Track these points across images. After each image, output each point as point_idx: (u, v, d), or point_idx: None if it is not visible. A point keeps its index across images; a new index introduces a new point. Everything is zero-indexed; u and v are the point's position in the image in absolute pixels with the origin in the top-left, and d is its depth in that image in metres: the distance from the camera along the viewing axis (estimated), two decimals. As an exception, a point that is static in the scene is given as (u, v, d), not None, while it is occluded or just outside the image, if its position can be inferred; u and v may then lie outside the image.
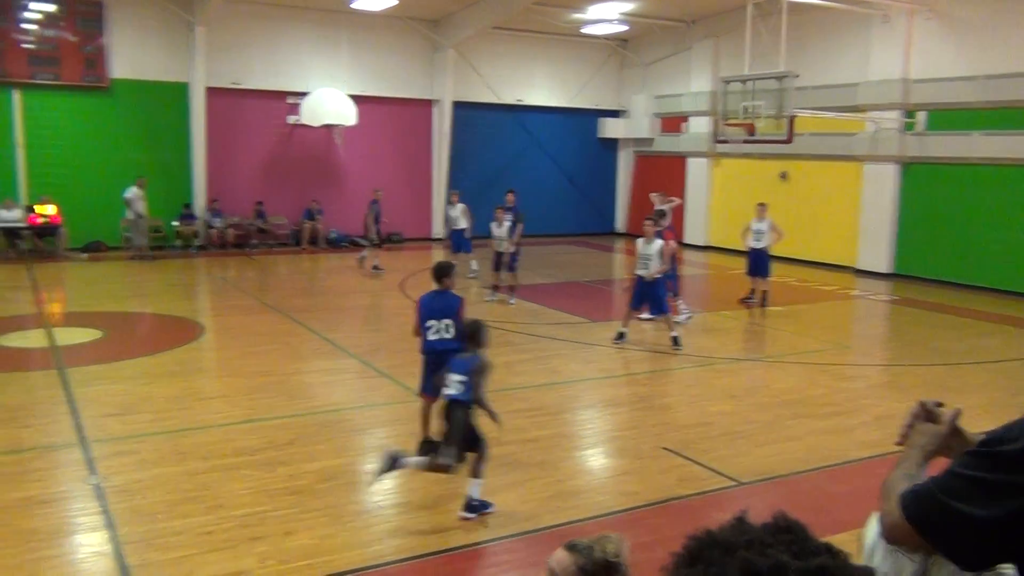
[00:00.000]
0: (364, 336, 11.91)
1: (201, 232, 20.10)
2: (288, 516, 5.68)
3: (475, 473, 5.83)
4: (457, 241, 16.32)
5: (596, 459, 7.46)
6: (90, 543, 5.30)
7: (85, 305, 13.64)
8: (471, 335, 6.15)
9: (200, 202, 20.16)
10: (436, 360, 6.56)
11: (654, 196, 16.74)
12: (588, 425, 8.34)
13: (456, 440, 5.74)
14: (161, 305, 13.99)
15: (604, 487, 6.61)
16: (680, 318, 12.32)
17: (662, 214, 12.98)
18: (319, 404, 8.45)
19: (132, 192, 17.94)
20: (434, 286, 6.96)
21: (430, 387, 6.63)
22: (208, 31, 19.29)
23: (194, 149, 19.91)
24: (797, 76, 16.04)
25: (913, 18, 17.67)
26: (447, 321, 6.73)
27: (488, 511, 5.83)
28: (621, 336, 11.21)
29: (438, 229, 23.36)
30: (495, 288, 14.12)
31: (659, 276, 10.94)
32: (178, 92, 19.72)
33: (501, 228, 13.89)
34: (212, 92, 19.74)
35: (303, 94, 20.74)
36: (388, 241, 20.71)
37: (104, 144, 19.23)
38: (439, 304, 6.82)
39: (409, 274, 17.28)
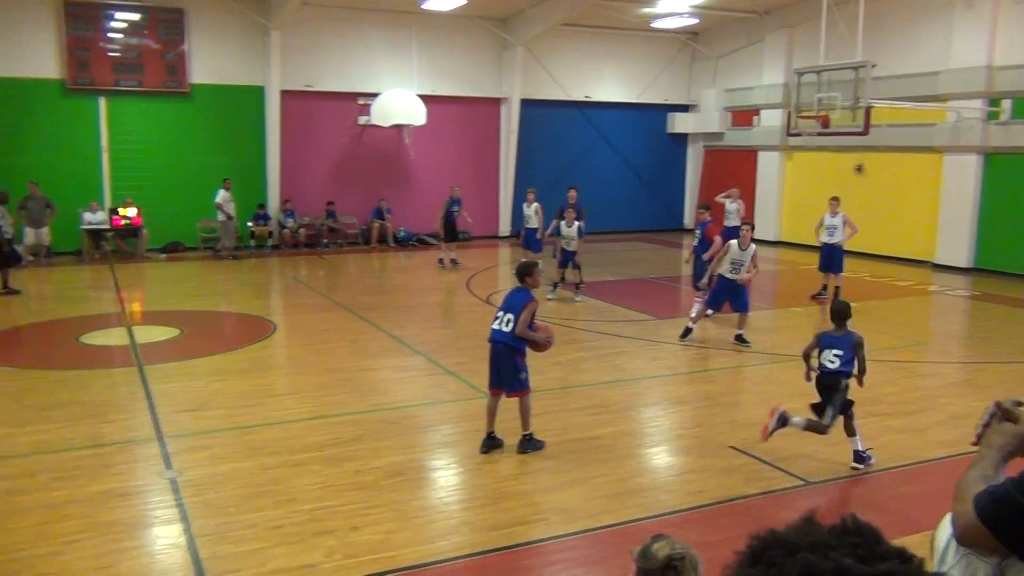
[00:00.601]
0: (431, 334, 12.04)
1: (274, 232, 20.59)
2: (354, 511, 5.78)
3: (851, 431, 6.76)
4: (528, 240, 16.26)
5: (661, 457, 7.39)
6: (166, 535, 5.49)
7: (164, 304, 14.13)
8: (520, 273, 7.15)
9: (274, 203, 20.65)
10: (492, 350, 7.01)
11: (722, 198, 16.60)
12: (653, 423, 8.27)
13: (836, 405, 6.69)
14: (235, 304, 14.40)
15: (669, 485, 6.54)
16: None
17: (707, 207, 13.31)
18: (386, 401, 8.57)
19: (221, 195, 18.56)
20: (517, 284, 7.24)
21: (494, 381, 7.07)
22: (283, 35, 19.73)
23: (268, 151, 20.41)
24: (874, 66, 15.59)
25: (998, 3, 16.98)
26: (509, 315, 6.92)
27: (872, 461, 6.69)
28: (688, 332, 11.10)
29: (505, 227, 23.46)
30: (555, 285, 14.06)
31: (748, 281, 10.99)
32: (254, 95, 20.23)
33: (571, 227, 13.83)
34: (286, 95, 20.20)
35: (374, 95, 21.04)
36: (423, 242, 21.03)
37: (183, 148, 19.87)
38: (512, 299, 7.05)
39: (475, 272, 17.40)
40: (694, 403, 8.67)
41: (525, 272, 7.16)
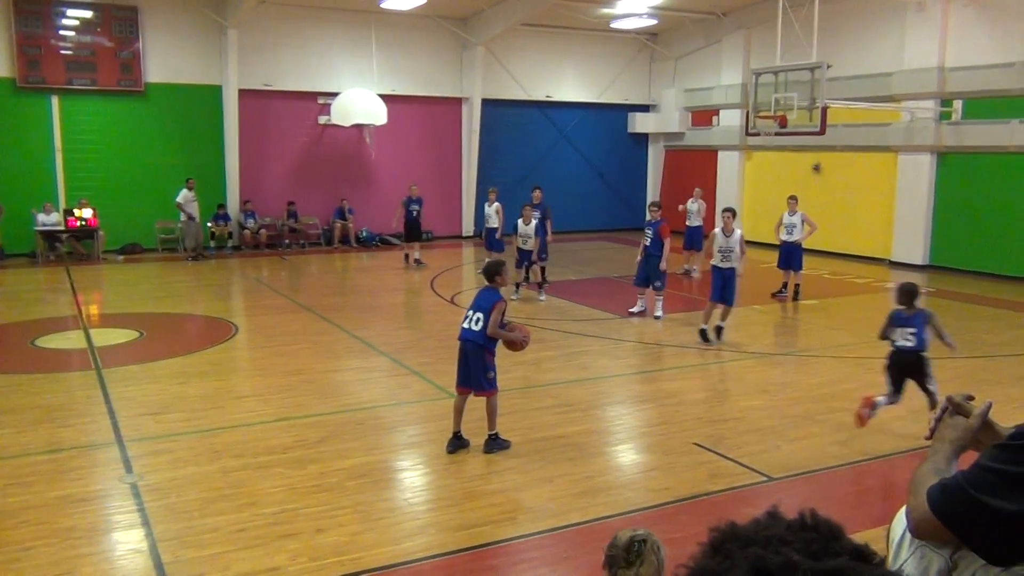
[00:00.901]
0: (395, 334, 11.98)
1: (235, 233, 20.34)
2: (319, 514, 5.74)
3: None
4: (490, 240, 16.23)
5: (626, 455, 7.44)
6: (127, 541, 5.39)
7: (122, 306, 13.88)
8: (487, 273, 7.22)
9: (233, 203, 20.41)
10: (462, 348, 7.01)
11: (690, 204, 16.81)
12: (618, 421, 8.32)
13: (930, 374, 7.18)
14: (195, 305, 14.21)
15: (634, 483, 6.59)
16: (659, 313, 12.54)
17: (658, 204, 13.39)
18: (350, 402, 8.52)
19: (182, 195, 18.33)
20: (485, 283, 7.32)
21: (462, 379, 7.07)
22: (240, 34, 19.50)
23: (227, 150, 20.16)
24: (830, 67, 15.83)
25: (949, 5, 17.36)
26: (479, 315, 6.94)
27: None
28: (705, 335, 10.96)
29: (468, 227, 23.44)
30: (518, 286, 14.06)
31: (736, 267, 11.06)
32: (211, 94, 19.97)
33: (528, 225, 13.88)
34: (244, 94, 19.97)
35: (333, 94, 20.89)
36: (385, 243, 20.92)
37: (139, 147, 19.54)
38: (480, 299, 7.09)
39: (439, 272, 17.35)
40: (658, 401, 8.74)
41: (493, 271, 7.19)
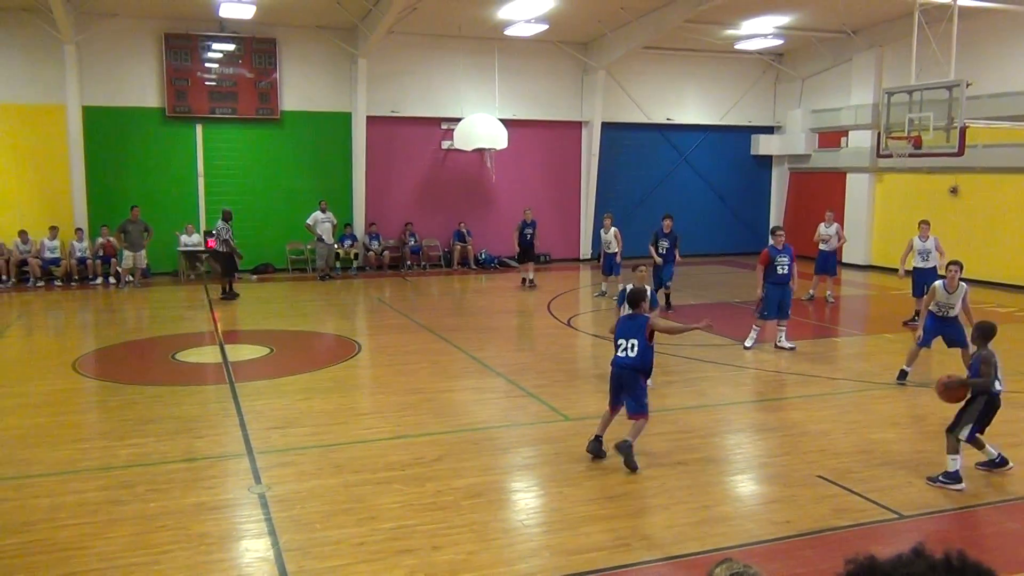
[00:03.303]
0: (511, 356, 12.08)
1: (360, 254, 21.04)
2: (435, 531, 5.82)
3: (980, 444, 6.98)
4: (609, 264, 16.45)
5: (746, 485, 7.22)
6: (254, 549, 5.63)
7: (254, 324, 14.57)
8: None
9: (360, 225, 21.13)
10: (617, 375, 7.38)
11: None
12: (738, 450, 8.09)
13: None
14: (322, 324, 14.75)
15: (754, 514, 6.39)
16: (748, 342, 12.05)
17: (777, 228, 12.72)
18: (467, 422, 8.63)
19: (312, 217, 19.16)
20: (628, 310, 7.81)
21: (615, 401, 7.47)
22: (369, 62, 20.25)
23: (355, 175, 20.94)
24: (970, 84, 15.04)
25: (1103, 17, 16.26)
26: (633, 340, 7.26)
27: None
28: (904, 375, 10.30)
29: (585, 250, 23.43)
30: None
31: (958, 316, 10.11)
32: (342, 121, 20.81)
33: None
34: (372, 120, 20.70)
35: (456, 119, 21.37)
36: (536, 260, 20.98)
37: (274, 172, 20.55)
38: (630, 326, 7.42)
39: (557, 294, 17.40)
40: (781, 430, 8.46)
41: (639, 298, 7.61)
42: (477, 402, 9.51)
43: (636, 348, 7.18)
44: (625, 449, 7.07)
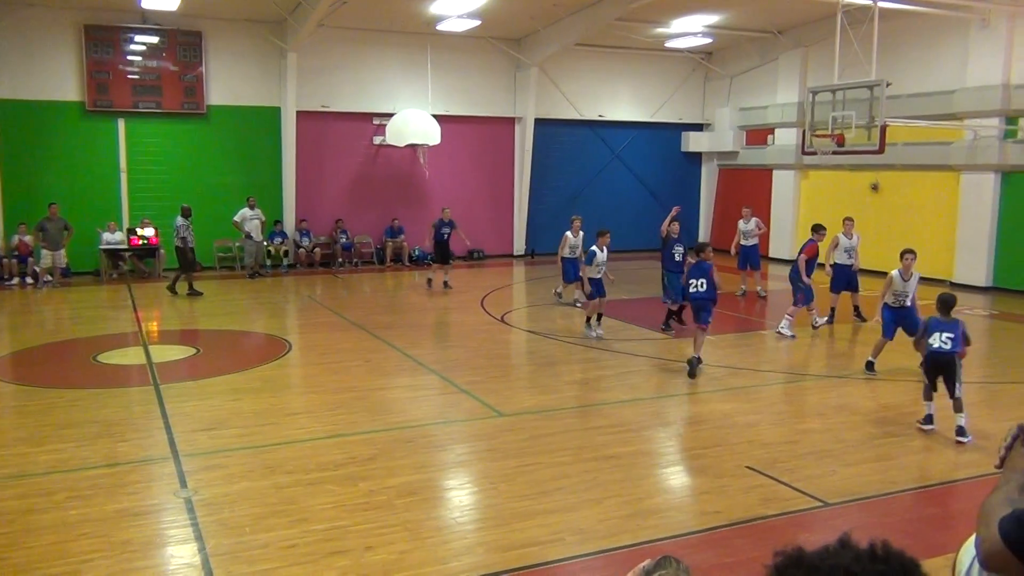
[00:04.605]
0: (445, 352, 12.04)
1: (290, 251, 20.71)
2: (368, 531, 5.76)
3: (959, 408, 7.86)
4: (575, 269, 14.75)
5: (677, 477, 7.33)
6: (180, 555, 5.47)
7: (180, 323, 14.21)
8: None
9: (290, 222, 20.79)
10: (696, 305, 10.56)
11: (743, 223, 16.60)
12: (669, 442, 8.22)
13: (959, 378, 7.89)
14: (252, 323, 14.47)
15: (685, 506, 6.49)
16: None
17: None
18: (400, 420, 8.57)
19: (240, 214, 18.76)
20: (691, 259, 11.02)
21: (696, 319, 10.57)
22: (299, 56, 19.92)
23: (285, 171, 20.58)
24: (890, 84, 15.53)
25: (1014, 21, 16.94)
26: (702, 280, 10.30)
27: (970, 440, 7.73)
28: (871, 366, 10.53)
29: (519, 246, 23.49)
30: (589, 322, 12.99)
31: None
32: (270, 116, 20.43)
33: (603, 252, 13.37)
34: (302, 115, 20.38)
35: (389, 115, 21.19)
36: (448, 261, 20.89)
37: (200, 168, 20.05)
38: (698, 270, 10.45)
39: (490, 291, 17.40)
40: (711, 422, 8.61)
41: (703, 247, 10.63)
42: (411, 400, 9.45)
43: (705, 285, 10.11)
44: (694, 362, 10.16)
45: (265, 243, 19.88)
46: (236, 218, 18.85)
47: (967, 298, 16.64)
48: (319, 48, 20.41)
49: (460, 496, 6.76)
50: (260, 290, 17.74)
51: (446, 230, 17.58)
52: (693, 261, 10.77)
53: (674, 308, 12.99)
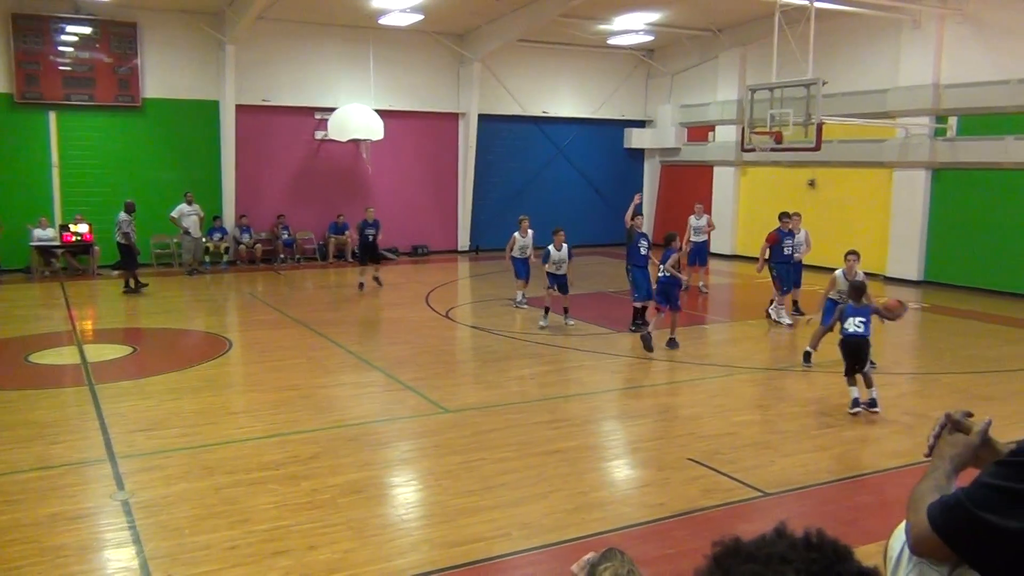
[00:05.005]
0: (389, 349, 11.96)
1: (231, 248, 20.35)
2: (311, 530, 5.69)
3: (870, 383, 8.58)
4: (525, 267, 14.68)
5: (621, 470, 7.41)
6: (117, 559, 5.34)
7: (116, 322, 13.86)
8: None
9: (229, 218, 20.42)
10: (661, 288, 11.52)
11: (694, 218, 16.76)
12: (613, 436, 8.30)
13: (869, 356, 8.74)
14: (191, 321, 14.19)
15: (629, 498, 6.56)
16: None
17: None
18: (344, 417, 8.49)
19: (178, 209, 18.36)
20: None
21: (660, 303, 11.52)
22: (238, 49, 19.56)
23: (224, 166, 20.19)
24: (825, 83, 15.88)
25: (944, 22, 17.47)
26: (662, 266, 11.32)
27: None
28: (808, 356, 10.67)
29: (464, 242, 23.45)
30: (547, 311, 13.25)
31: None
32: (209, 110, 20.02)
33: (561, 251, 13.47)
34: (242, 109, 20.01)
35: (331, 110, 20.95)
36: (387, 257, 20.74)
37: (136, 163, 19.56)
38: (664, 255, 11.46)
39: (434, 287, 17.34)
40: (653, 416, 8.72)
41: (671, 238, 11.87)
42: (354, 397, 9.36)
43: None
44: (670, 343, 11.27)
45: (204, 239, 19.50)
46: (173, 214, 18.44)
47: (900, 292, 17.15)
48: (259, 41, 20.07)
49: (405, 493, 6.73)
50: (199, 287, 17.40)
51: (371, 231, 16.81)
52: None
53: (639, 307, 12.77)
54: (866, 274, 16.09)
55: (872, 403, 8.50)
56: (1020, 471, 1.68)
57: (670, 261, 11.52)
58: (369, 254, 17.03)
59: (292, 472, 6.78)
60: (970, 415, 2.10)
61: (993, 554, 1.72)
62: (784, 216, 13.95)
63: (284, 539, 5.55)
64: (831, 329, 10.00)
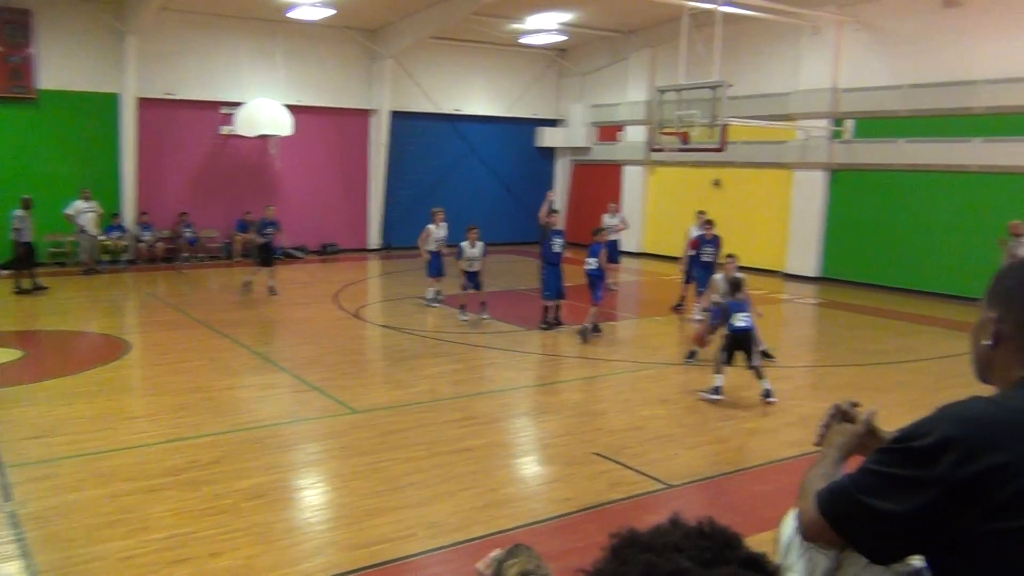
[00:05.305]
0: (296, 349, 11.74)
1: (131, 246, 19.63)
2: (213, 537, 5.55)
3: (761, 375, 8.98)
4: (439, 263, 14.76)
5: (529, 467, 7.46)
6: (5, 573, 5.10)
7: (5, 324, 13.21)
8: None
9: (129, 215, 19.71)
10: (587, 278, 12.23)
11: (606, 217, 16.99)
12: (521, 433, 8.36)
13: (759, 348, 9.17)
14: (87, 322, 13.64)
15: (537, 494, 6.61)
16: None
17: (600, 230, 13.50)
18: (248, 420, 8.30)
19: (73, 206, 17.59)
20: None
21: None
22: (140, 40, 18.89)
23: (124, 161, 19.46)
24: (731, 86, 16.33)
25: (841, 29, 18.17)
26: (592, 259, 12.04)
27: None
28: (693, 354, 10.90)
29: (374, 240, 23.23)
30: (464, 307, 13.52)
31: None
32: (108, 103, 19.26)
33: (475, 248, 13.51)
34: (144, 103, 19.34)
35: (238, 104, 20.44)
36: (289, 256, 20.47)
37: (30, 157, 18.65)
38: (591, 248, 12.24)
39: (344, 285, 17.12)
40: (562, 412, 8.81)
41: (599, 230, 12.94)
42: (260, 399, 9.16)
43: (596, 264, 11.78)
44: (585, 330, 11.64)
45: (101, 237, 18.77)
46: (69, 211, 17.67)
47: (798, 288, 17.79)
48: (162, 32, 19.42)
49: (311, 496, 6.63)
50: (96, 287, 16.73)
51: (269, 230, 15.77)
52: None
53: (550, 304, 12.84)
54: (764, 272, 16.67)
55: (767, 394, 8.85)
56: (900, 457, 1.77)
57: (600, 255, 12.20)
58: (264, 256, 15.85)
59: (193, 477, 6.60)
60: (857, 405, 2.19)
61: (875, 537, 1.80)
62: (707, 224, 14.18)
63: (184, 547, 5.40)
64: (715, 330, 10.21)
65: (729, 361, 8.98)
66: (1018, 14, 15.32)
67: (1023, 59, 15.17)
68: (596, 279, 12.19)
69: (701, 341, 10.74)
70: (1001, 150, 15.56)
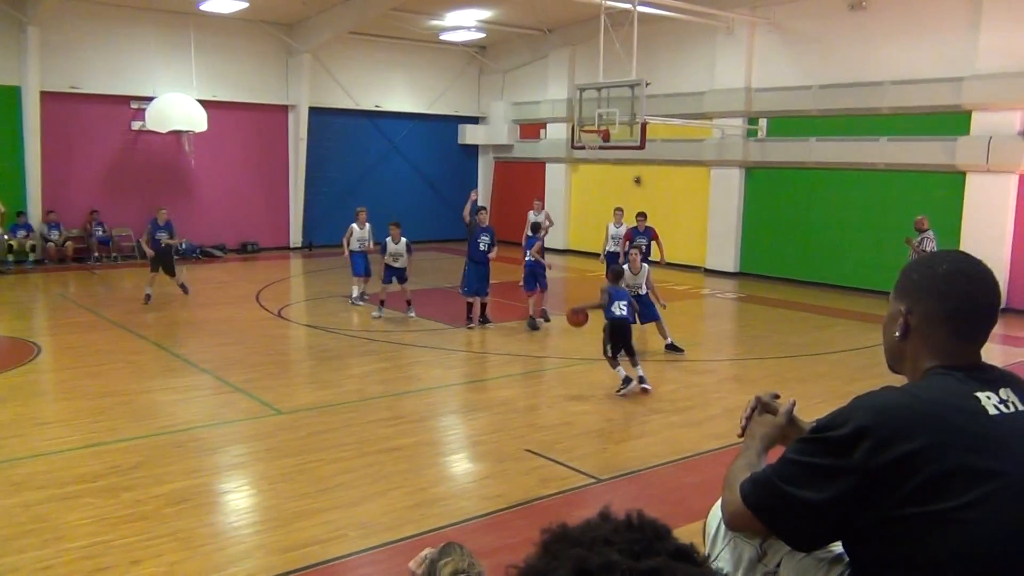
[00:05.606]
0: (218, 350, 11.43)
1: (38, 246, 18.82)
2: (134, 544, 5.37)
3: (635, 362, 9.18)
4: (364, 262, 14.56)
5: (459, 464, 7.44)
6: (-94, 589, 4.84)
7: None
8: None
9: (36, 213, 18.89)
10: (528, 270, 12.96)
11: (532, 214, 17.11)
12: (451, 431, 8.33)
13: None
14: (-8, 325, 13.02)
15: (467, 492, 6.60)
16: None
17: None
18: (168, 424, 8.04)
19: None
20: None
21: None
22: (42, 31, 18.10)
23: (28, 157, 18.64)
24: (648, 84, 16.58)
25: (754, 30, 18.66)
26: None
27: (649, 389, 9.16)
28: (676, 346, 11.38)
29: (296, 238, 22.83)
30: (382, 303, 13.45)
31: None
32: (9, 97, 18.41)
33: (398, 244, 13.42)
34: (48, 96, 18.55)
35: (149, 99, 19.79)
36: (208, 254, 19.98)
37: (-77, 152, 17.72)
38: (530, 241, 13.03)
39: (265, 285, 16.78)
40: (491, 409, 8.81)
41: (537, 227, 13.60)
42: (180, 402, 8.89)
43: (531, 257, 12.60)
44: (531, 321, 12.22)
45: (5, 237, 17.93)
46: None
47: (718, 283, 18.22)
48: (67, 23, 18.66)
49: (236, 499, 6.47)
50: (1, 289, 15.98)
51: (163, 234, 14.49)
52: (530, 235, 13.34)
53: (471, 301, 12.83)
54: (685, 267, 17.03)
55: (642, 379, 9.08)
56: (818, 447, 1.82)
57: (535, 247, 12.77)
58: (161, 261, 14.50)
59: (112, 484, 6.36)
60: (777, 396, 2.25)
61: (797, 524, 1.85)
62: (640, 216, 14.46)
63: (104, 555, 5.21)
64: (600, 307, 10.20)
65: (616, 352, 9.09)
66: (920, 17, 16.01)
67: (925, 61, 15.86)
68: (538, 269, 12.89)
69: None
70: (905, 149, 16.24)
